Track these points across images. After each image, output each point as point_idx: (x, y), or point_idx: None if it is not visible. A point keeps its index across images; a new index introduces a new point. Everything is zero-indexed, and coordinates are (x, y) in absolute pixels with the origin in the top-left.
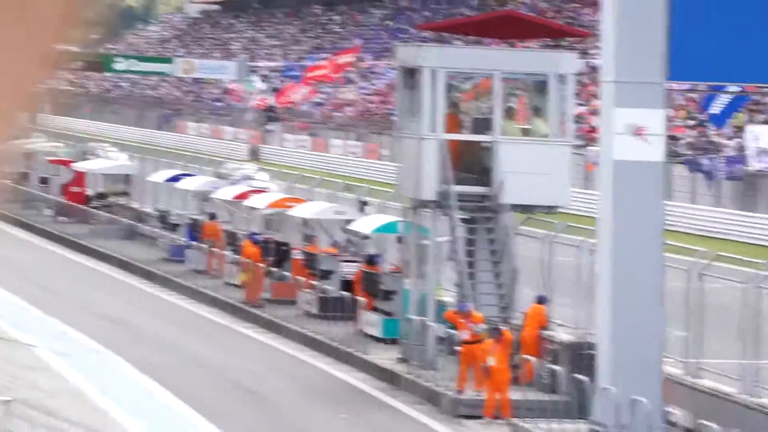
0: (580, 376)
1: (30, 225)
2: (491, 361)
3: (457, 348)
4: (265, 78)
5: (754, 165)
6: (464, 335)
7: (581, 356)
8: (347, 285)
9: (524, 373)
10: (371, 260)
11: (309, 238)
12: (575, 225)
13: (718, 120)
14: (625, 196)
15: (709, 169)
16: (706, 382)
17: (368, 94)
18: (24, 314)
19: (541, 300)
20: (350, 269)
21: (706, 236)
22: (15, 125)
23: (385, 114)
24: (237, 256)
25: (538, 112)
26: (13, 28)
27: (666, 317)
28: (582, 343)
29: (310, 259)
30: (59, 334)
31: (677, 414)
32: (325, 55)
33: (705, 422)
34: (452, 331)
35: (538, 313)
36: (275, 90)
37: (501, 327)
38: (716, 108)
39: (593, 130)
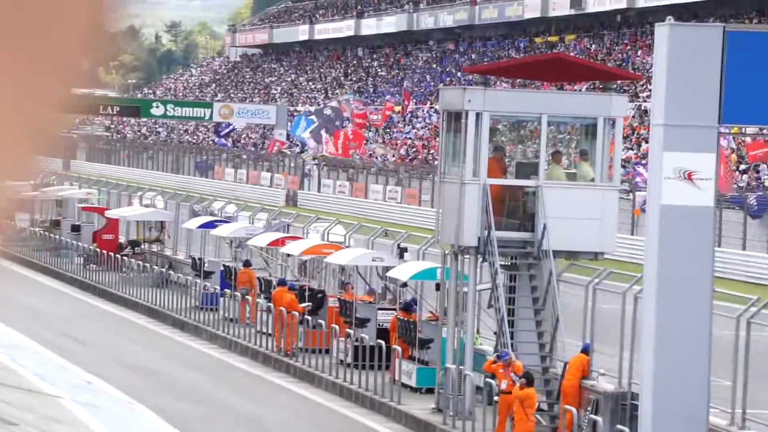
0: (622, 428)
1: (59, 273)
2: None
3: (496, 398)
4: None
5: None
6: (504, 385)
7: (623, 407)
8: (383, 333)
9: (565, 424)
10: (408, 308)
11: (345, 286)
12: (620, 272)
13: None
14: (672, 242)
15: (756, 209)
16: None
17: (409, 138)
18: (50, 365)
19: (585, 349)
20: (387, 317)
21: (758, 283)
22: (29, 167)
23: (426, 159)
24: (270, 305)
25: (585, 156)
26: (31, 65)
27: (712, 366)
28: (624, 393)
29: (346, 307)
30: (86, 384)
31: None
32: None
33: None
34: (491, 381)
35: (580, 362)
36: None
37: (526, 378)
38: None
39: (641, 174)
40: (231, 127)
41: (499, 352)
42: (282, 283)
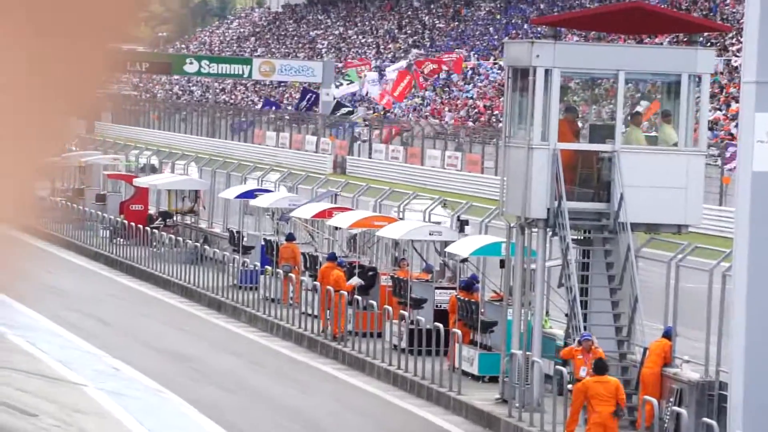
0: (709, 420)
1: (84, 248)
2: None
3: (570, 387)
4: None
5: None
6: (582, 372)
7: (710, 398)
8: (441, 315)
9: (645, 416)
10: (469, 287)
11: (399, 262)
12: (707, 247)
13: None
14: (765, 213)
15: None
16: None
17: (472, 98)
18: (72, 349)
19: (667, 333)
20: (445, 297)
21: None
22: (69, 135)
23: (490, 121)
24: (317, 283)
25: (667, 117)
26: (71, 26)
27: None
28: (711, 382)
29: (400, 286)
30: (112, 371)
31: None
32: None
33: None
34: (562, 368)
35: (662, 348)
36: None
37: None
38: None
39: (732, 138)
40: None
41: (580, 335)
42: (331, 258)
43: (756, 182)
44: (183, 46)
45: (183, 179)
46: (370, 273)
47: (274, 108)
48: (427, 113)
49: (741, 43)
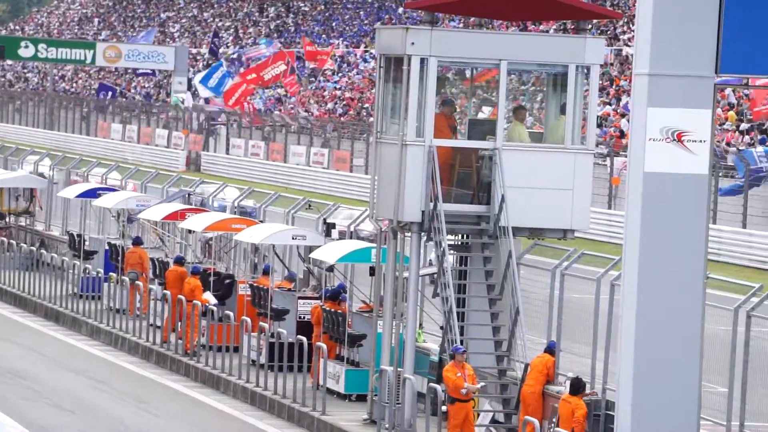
0: None
1: None
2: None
3: (444, 407)
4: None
5: None
6: (463, 390)
7: (596, 418)
8: (305, 328)
9: None
10: (336, 297)
11: (259, 269)
12: (594, 254)
13: None
14: (658, 218)
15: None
16: None
17: (341, 90)
18: None
19: (549, 349)
20: (309, 308)
21: (761, 268)
22: None
23: (360, 115)
24: (167, 292)
25: (553, 112)
26: None
27: (704, 369)
28: (598, 401)
29: (260, 296)
30: None
31: None
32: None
33: None
34: (436, 386)
35: (544, 364)
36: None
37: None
38: None
39: (622, 135)
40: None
41: (452, 348)
42: (179, 261)
43: (648, 183)
44: (17, 27)
45: (17, 176)
46: (227, 281)
47: (111, 94)
48: (291, 106)
49: (633, 31)
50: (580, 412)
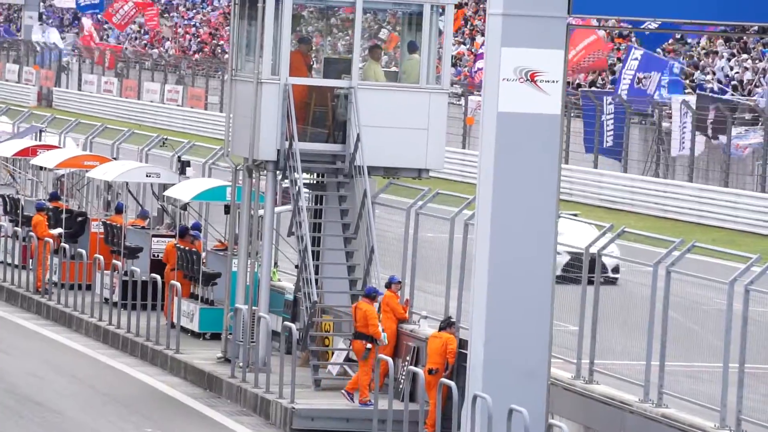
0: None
1: None
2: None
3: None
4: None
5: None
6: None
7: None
8: (158, 266)
9: (378, 377)
10: (183, 234)
11: (112, 207)
12: (449, 193)
13: None
14: (511, 157)
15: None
16: (601, 388)
17: (195, 26)
18: None
19: (390, 284)
20: (163, 246)
21: (611, 208)
22: None
23: (215, 52)
24: (18, 229)
25: (408, 51)
26: None
27: (556, 308)
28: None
29: (113, 234)
30: None
31: (564, 428)
32: None
33: None
34: (291, 325)
35: (385, 302)
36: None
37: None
38: None
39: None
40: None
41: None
42: (40, 208)
43: (502, 123)
44: None
45: None
46: (80, 219)
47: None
48: (145, 42)
49: None
50: (453, 345)
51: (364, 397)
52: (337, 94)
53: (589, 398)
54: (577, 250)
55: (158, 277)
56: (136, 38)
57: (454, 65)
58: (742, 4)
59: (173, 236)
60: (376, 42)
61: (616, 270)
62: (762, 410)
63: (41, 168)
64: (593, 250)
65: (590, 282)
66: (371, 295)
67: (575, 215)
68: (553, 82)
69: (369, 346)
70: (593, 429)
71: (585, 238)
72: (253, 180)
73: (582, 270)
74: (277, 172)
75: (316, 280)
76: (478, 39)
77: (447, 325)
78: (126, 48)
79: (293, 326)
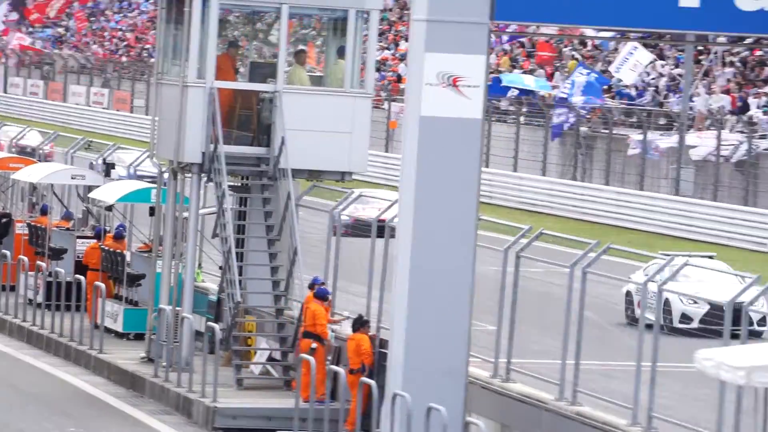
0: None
1: None
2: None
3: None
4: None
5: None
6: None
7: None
8: (83, 267)
9: (299, 377)
10: (105, 235)
11: (37, 209)
12: (372, 196)
13: None
14: (433, 161)
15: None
16: (518, 387)
17: (121, 30)
18: None
19: (312, 285)
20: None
21: (530, 210)
22: None
23: (141, 55)
24: None
25: (333, 57)
26: None
27: (475, 308)
28: (371, 339)
29: (38, 235)
30: None
31: (481, 425)
32: None
33: None
34: (214, 325)
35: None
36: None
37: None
38: None
39: (400, 79)
40: None
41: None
42: None
43: (424, 127)
44: None
45: None
46: (4, 220)
47: None
48: (72, 45)
49: None
50: (366, 345)
51: (308, 395)
52: (262, 98)
53: (506, 397)
54: (716, 302)
55: (82, 278)
56: (62, 41)
57: (378, 69)
58: (658, 11)
59: (98, 238)
60: (301, 47)
61: (762, 321)
62: (673, 408)
63: None
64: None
65: (734, 336)
66: (322, 295)
67: (711, 257)
68: (475, 87)
69: (314, 345)
70: (510, 427)
71: (725, 289)
72: (178, 182)
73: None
74: (202, 174)
75: (240, 281)
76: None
77: (360, 325)
78: (52, 51)
79: (216, 326)
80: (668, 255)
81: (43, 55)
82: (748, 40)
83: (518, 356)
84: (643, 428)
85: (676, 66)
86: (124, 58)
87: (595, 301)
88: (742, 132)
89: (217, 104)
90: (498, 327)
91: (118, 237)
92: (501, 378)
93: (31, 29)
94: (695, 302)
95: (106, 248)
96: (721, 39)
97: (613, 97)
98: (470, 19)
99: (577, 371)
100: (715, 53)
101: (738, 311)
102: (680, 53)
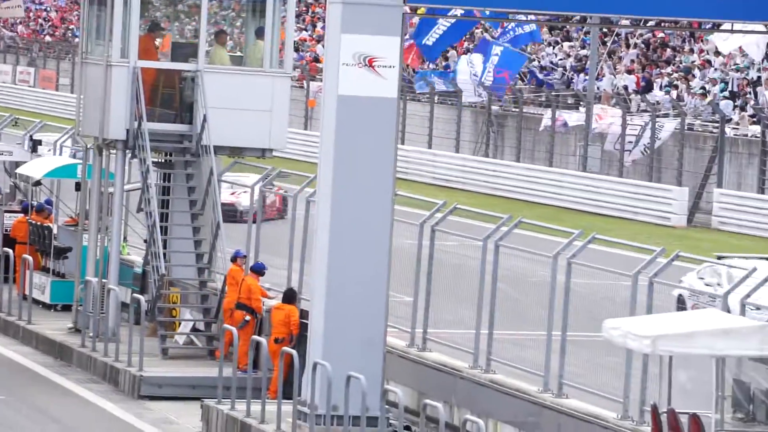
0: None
1: None
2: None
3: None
4: None
5: (474, 99)
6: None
7: None
8: (10, 241)
9: (223, 347)
10: (39, 210)
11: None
12: (291, 172)
13: (431, 52)
14: (350, 138)
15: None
16: (434, 356)
17: (46, 10)
18: None
19: (235, 258)
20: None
21: (444, 186)
22: None
23: (65, 35)
24: None
25: (253, 37)
26: None
27: (392, 280)
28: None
29: None
30: None
31: (399, 393)
32: None
33: (430, 401)
34: (139, 297)
35: (234, 275)
36: None
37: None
38: (430, 39)
39: (317, 60)
40: None
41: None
42: None
43: (341, 106)
44: None
45: None
46: None
47: None
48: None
49: None
50: (295, 316)
51: (243, 365)
52: (184, 77)
53: (423, 365)
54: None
55: (10, 251)
56: None
57: (296, 50)
58: None
59: (25, 212)
60: (221, 27)
61: None
62: (582, 375)
63: None
64: None
65: None
66: (258, 270)
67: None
68: (390, 67)
69: (248, 318)
70: (426, 394)
71: None
72: (104, 158)
73: None
74: (127, 151)
75: (164, 254)
76: (320, 26)
77: (291, 296)
78: None
79: (142, 298)
80: (722, 257)
81: None
82: (650, 23)
83: (434, 326)
84: (554, 394)
85: (583, 47)
86: (48, 38)
87: (507, 273)
88: (646, 111)
89: (140, 83)
90: (414, 298)
91: (39, 210)
92: (418, 347)
93: None
94: (757, 309)
95: (34, 222)
96: (624, 21)
97: (522, 79)
98: (384, 1)
99: (491, 340)
100: (619, 35)
101: None
102: (587, 35)
